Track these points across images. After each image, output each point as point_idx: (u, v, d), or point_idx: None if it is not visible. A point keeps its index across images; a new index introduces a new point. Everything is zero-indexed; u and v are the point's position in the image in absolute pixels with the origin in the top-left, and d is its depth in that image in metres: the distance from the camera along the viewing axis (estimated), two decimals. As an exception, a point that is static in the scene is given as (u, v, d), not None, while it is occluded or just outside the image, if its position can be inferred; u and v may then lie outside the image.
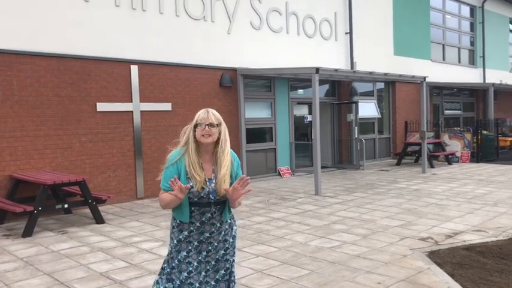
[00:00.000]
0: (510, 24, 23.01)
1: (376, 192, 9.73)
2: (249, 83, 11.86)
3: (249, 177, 2.80)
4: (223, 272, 2.97)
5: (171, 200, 2.75)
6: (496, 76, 20.80)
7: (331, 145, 14.32)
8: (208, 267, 2.93)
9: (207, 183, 2.84)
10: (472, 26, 20.50)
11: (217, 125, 2.87)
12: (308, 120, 13.46)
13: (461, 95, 20.43)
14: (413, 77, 12.45)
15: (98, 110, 8.85)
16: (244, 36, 11.38)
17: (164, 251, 5.74)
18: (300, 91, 13.48)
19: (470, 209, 7.85)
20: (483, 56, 20.45)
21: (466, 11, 20.17)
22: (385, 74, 11.76)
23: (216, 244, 2.92)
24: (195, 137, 2.88)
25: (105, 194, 7.99)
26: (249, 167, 11.51)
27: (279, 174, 12.31)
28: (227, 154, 2.89)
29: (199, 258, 2.91)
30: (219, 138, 2.90)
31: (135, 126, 9.37)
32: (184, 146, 2.91)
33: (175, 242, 2.90)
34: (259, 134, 12.17)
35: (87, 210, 7.85)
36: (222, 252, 2.96)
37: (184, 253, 2.89)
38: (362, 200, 8.84)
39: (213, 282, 2.94)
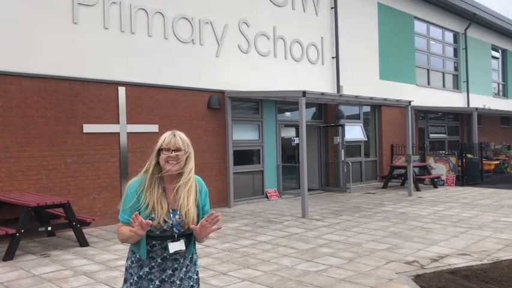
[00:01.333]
0: (492, 51, 23.62)
1: (363, 215, 9.75)
2: (237, 105, 11.93)
3: (219, 213, 2.46)
4: None
5: (129, 235, 2.40)
6: (480, 100, 21.24)
7: (318, 167, 14.38)
8: None
9: (171, 215, 2.51)
10: (456, 52, 21.00)
11: (184, 150, 2.55)
12: (295, 142, 13.54)
13: (446, 118, 20.77)
14: (398, 101, 12.65)
15: (84, 131, 8.81)
16: (232, 59, 11.50)
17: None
18: (288, 114, 13.59)
19: (456, 232, 7.90)
20: (467, 81, 20.89)
21: (449, 37, 20.67)
22: (371, 98, 11.93)
23: (179, 283, 2.57)
24: (158, 163, 2.55)
25: (90, 216, 7.89)
26: (236, 189, 11.48)
27: (266, 197, 12.30)
28: (192, 182, 2.60)
29: None
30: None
31: (121, 147, 9.33)
32: (145, 173, 2.58)
33: (135, 278, 2.54)
34: (246, 156, 12.19)
35: (70, 233, 7.73)
36: None
37: None
38: (348, 223, 8.84)
39: None
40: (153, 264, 2.53)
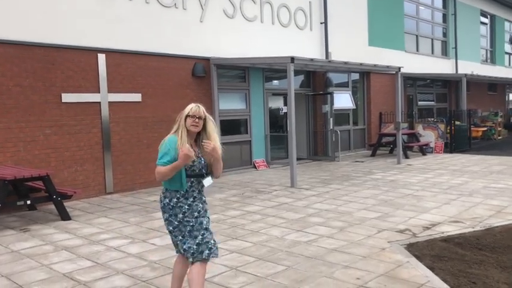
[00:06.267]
0: (481, 16, 23.31)
1: (352, 183, 9.62)
2: (223, 74, 11.55)
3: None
4: None
5: (172, 167, 3.33)
6: (468, 67, 21.04)
7: (306, 137, 14.17)
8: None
9: (199, 160, 3.53)
10: (445, 18, 20.66)
11: (203, 118, 3.51)
12: (283, 111, 13.26)
13: (434, 86, 20.60)
14: (388, 67, 12.38)
15: (63, 100, 8.41)
16: (217, 25, 11.05)
17: (134, 248, 5.45)
18: (275, 82, 13.26)
19: (447, 199, 7.80)
20: (455, 47, 20.63)
21: (438, 2, 20.29)
22: (361, 64, 11.63)
23: (202, 205, 3.60)
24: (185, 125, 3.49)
25: (71, 189, 7.60)
26: (224, 160, 11.13)
27: (254, 167, 12.09)
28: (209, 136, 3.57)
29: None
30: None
31: (103, 118, 8.97)
32: (175, 133, 3.51)
33: (186, 207, 3.46)
34: (233, 126, 11.90)
35: (52, 207, 7.44)
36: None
37: (196, 213, 3.49)
38: (338, 192, 8.70)
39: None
40: (194, 194, 3.53)
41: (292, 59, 9.13)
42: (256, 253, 5.17)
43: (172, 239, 3.56)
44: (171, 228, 3.48)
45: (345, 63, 11.17)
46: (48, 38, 8.22)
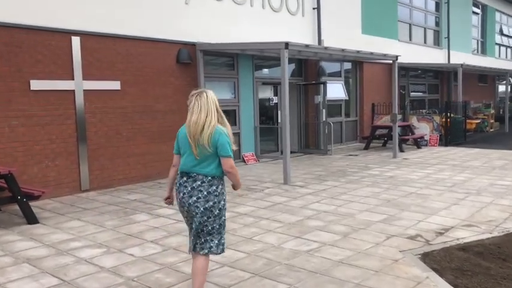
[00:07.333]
0: (473, 7, 22.79)
1: (349, 180, 8.96)
2: (210, 61, 10.74)
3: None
4: None
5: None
6: (460, 58, 20.49)
7: (297, 129, 13.46)
8: None
9: None
10: (438, 6, 20.06)
11: None
12: (274, 102, 12.52)
13: (426, 76, 20.05)
14: (385, 55, 11.70)
15: (31, 88, 7.53)
16: (204, 7, 10.20)
17: (108, 261, 4.68)
18: (265, 70, 12.48)
19: (454, 199, 7.18)
20: (448, 37, 20.08)
21: (432, -11, 19.71)
22: (358, 52, 10.93)
23: None
24: None
25: (38, 188, 6.75)
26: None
27: (243, 161, 11.34)
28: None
29: None
30: None
31: (77, 107, 8.11)
32: (221, 123, 3.61)
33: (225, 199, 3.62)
34: (220, 117, 11.08)
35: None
36: None
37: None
38: (335, 190, 8.02)
39: None
40: None
41: (287, 44, 8.37)
42: (251, 267, 4.46)
43: (203, 228, 3.49)
44: (225, 213, 3.58)
45: (342, 50, 10.45)
46: (15, 18, 7.32)
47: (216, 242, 3.52)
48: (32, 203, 6.61)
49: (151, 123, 9.11)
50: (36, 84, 7.57)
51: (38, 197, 6.29)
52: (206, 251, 3.49)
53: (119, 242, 5.32)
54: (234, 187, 3.64)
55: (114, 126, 8.65)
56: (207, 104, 3.46)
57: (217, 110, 3.51)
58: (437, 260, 4.67)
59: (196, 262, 3.51)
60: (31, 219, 6.12)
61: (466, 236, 5.39)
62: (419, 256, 4.79)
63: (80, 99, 8.12)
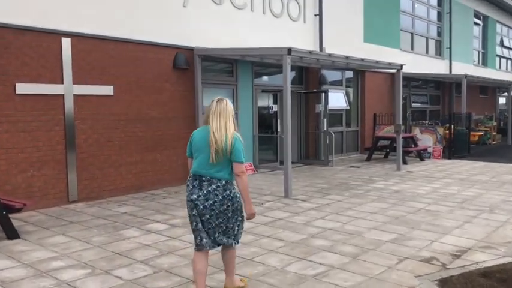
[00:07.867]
0: (474, 18, 22.54)
1: (353, 194, 8.50)
2: (208, 67, 10.30)
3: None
4: None
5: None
6: (461, 69, 20.19)
7: (297, 138, 13.01)
8: None
9: None
10: (440, 16, 19.78)
11: None
12: (273, 110, 12.07)
13: (427, 87, 19.70)
14: (390, 64, 11.30)
15: (17, 92, 7.05)
16: (203, 11, 9.78)
17: (91, 284, 4.18)
18: (265, 78, 12.06)
19: (466, 216, 6.73)
20: (450, 48, 19.77)
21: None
22: (362, 60, 10.52)
23: None
24: None
25: (20, 200, 6.23)
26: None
27: (241, 171, 10.84)
28: None
29: None
30: None
31: (66, 113, 7.63)
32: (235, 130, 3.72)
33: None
34: (218, 125, 10.61)
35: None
36: None
37: None
38: (340, 205, 7.56)
39: None
40: None
41: (289, 50, 7.95)
42: (252, 294, 3.98)
43: (222, 227, 3.71)
44: (240, 214, 3.81)
45: (346, 57, 10.04)
46: (1, 17, 6.86)
47: (233, 236, 3.81)
48: (14, 216, 6.18)
49: (145, 131, 8.63)
50: (22, 88, 7.09)
51: (19, 210, 5.79)
52: (231, 242, 3.81)
53: (105, 262, 4.83)
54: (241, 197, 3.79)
55: (105, 133, 8.17)
56: (225, 110, 3.68)
57: (233, 117, 3.73)
58: (457, 287, 4.22)
59: (227, 252, 3.91)
60: (11, 234, 5.61)
61: (486, 259, 4.93)
62: (437, 282, 4.33)
63: (69, 104, 7.65)
